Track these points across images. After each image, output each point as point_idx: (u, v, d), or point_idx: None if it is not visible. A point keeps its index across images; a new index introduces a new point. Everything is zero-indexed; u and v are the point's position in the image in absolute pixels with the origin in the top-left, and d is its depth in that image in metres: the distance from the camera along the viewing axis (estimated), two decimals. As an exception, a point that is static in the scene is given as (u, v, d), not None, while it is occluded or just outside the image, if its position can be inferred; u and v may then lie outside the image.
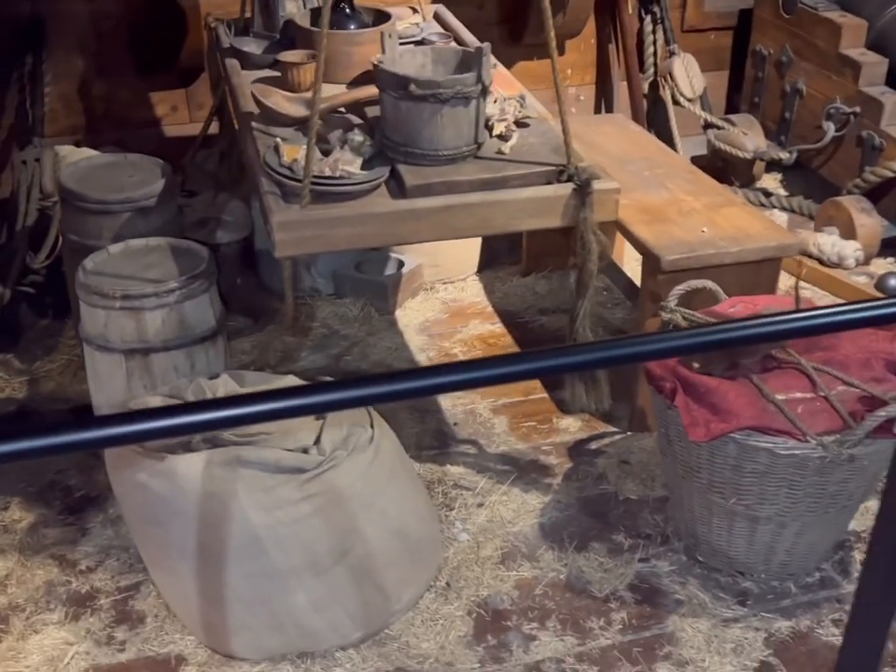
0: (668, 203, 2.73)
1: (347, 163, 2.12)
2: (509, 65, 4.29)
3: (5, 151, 3.65)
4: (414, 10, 3.34)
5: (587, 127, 3.31)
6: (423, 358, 3.14)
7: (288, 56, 2.68)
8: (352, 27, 2.78)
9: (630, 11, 4.17)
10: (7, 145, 3.66)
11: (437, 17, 3.29)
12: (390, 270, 3.47)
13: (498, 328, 3.33)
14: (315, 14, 2.86)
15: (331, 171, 2.09)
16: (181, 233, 2.91)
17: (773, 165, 4.20)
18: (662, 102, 4.33)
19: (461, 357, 3.15)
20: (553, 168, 2.16)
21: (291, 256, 2.05)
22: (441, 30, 3.11)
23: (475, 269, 3.64)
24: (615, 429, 2.79)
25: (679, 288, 2.31)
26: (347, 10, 2.80)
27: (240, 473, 1.96)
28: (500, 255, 3.68)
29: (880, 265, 3.52)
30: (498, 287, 3.56)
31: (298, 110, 2.44)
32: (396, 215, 2.03)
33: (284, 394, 0.99)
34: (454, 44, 2.91)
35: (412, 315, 3.38)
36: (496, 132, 2.30)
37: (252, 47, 2.89)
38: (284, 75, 2.67)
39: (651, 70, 4.40)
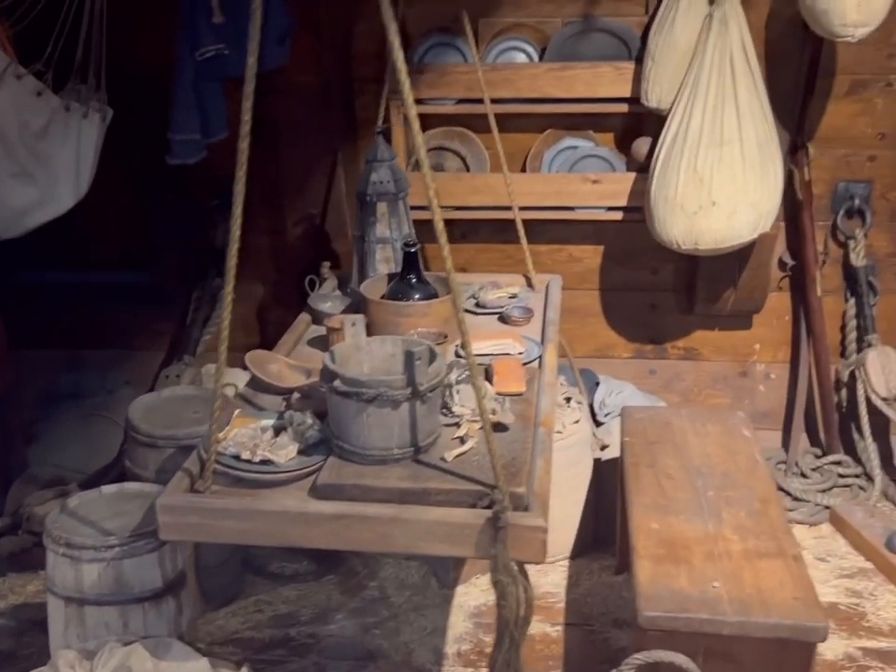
0: (703, 539, 2.28)
1: (276, 448, 2.03)
2: (685, 334, 4.05)
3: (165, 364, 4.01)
4: (528, 279, 3.25)
5: (690, 422, 2.95)
6: (451, 651, 2.84)
7: (332, 320, 2.69)
8: (416, 297, 2.74)
9: (819, 293, 3.72)
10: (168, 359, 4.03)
11: (547, 289, 3.16)
12: (469, 539, 3.24)
13: (556, 632, 2.93)
14: (392, 279, 2.87)
15: (251, 455, 2.01)
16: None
17: None
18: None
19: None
20: (482, 489, 1.90)
21: (178, 541, 1.97)
22: (530, 305, 2.97)
23: (567, 552, 3.30)
24: None
25: (638, 657, 1.89)
26: (413, 280, 2.77)
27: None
28: (607, 539, 3.30)
29: None
30: (584, 581, 3.18)
31: (296, 379, 2.42)
32: (284, 516, 1.88)
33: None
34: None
35: (473, 595, 3.10)
36: (458, 433, 2.10)
37: (326, 304, 2.94)
38: (326, 337, 2.69)
39: (853, 358, 3.86)
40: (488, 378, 2.38)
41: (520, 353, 2.62)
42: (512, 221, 3.34)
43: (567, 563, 3.27)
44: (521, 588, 1.84)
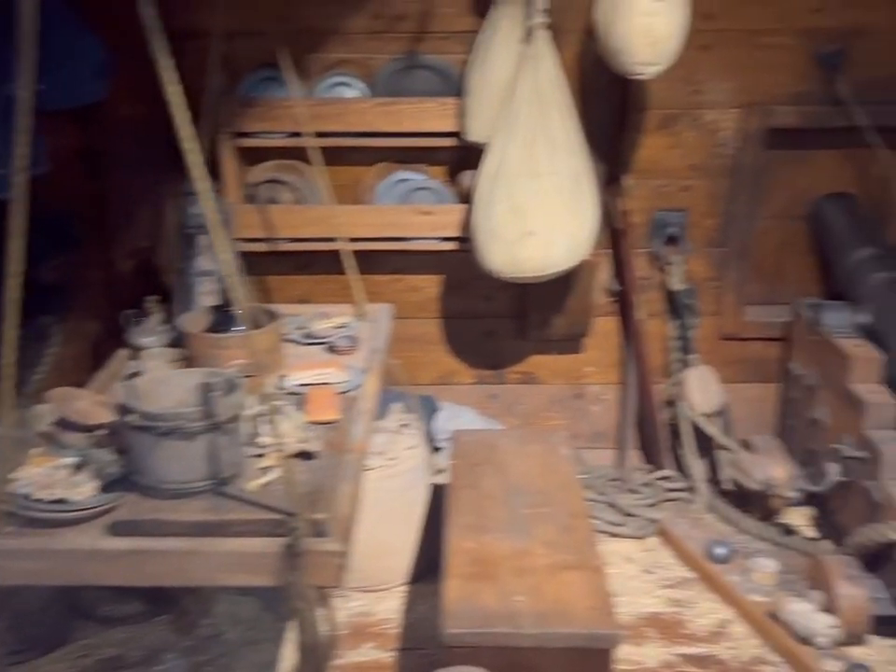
0: (514, 555, 2.36)
1: (72, 486, 1.99)
2: (521, 359, 4.16)
3: None
4: (359, 309, 3.29)
5: (514, 443, 3.04)
6: (281, 686, 2.83)
7: (145, 354, 2.67)
8: (235, 328, 2.74)
9: (640, 316, 3.90)
10: None
11: (376, 319, 3.21)
12: (305, 570, 3.23)
13: (389, 657, 2.95)
14: (216, 311, 2.86)
15: (46, 494, 1.97)
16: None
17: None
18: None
19: (321, 690, 2.80)
20: (282, 518, 1.91)
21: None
22: (360, 334, 3.01)
23: (403, 578, 3.33)
24: None
25: (437, 676, 1.93)
26: (233, 312, 2.77)
27: None
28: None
29: (864, 651, 2.85)
30: (419, 606, 3.21)
31: (104, 415, 2.37)
32: (77, 554, 1.85)
33: None
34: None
35: (307, 627, 3.09)
36: (262, 463, 2.11)
37: (147, 339, 2.91)
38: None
39: (675, 377, 4.05)
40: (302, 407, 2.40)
41: (342, 381, 2.66)
42: (351, 252, 3.40)
43: (402, 589, 3.30)
44: (319, 614, 1.86)
